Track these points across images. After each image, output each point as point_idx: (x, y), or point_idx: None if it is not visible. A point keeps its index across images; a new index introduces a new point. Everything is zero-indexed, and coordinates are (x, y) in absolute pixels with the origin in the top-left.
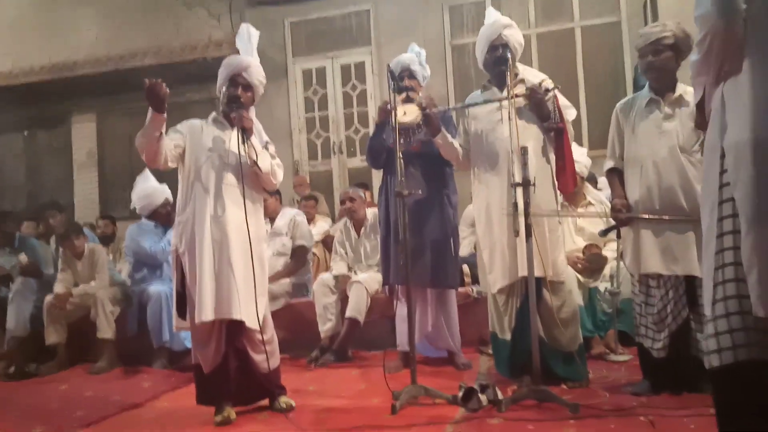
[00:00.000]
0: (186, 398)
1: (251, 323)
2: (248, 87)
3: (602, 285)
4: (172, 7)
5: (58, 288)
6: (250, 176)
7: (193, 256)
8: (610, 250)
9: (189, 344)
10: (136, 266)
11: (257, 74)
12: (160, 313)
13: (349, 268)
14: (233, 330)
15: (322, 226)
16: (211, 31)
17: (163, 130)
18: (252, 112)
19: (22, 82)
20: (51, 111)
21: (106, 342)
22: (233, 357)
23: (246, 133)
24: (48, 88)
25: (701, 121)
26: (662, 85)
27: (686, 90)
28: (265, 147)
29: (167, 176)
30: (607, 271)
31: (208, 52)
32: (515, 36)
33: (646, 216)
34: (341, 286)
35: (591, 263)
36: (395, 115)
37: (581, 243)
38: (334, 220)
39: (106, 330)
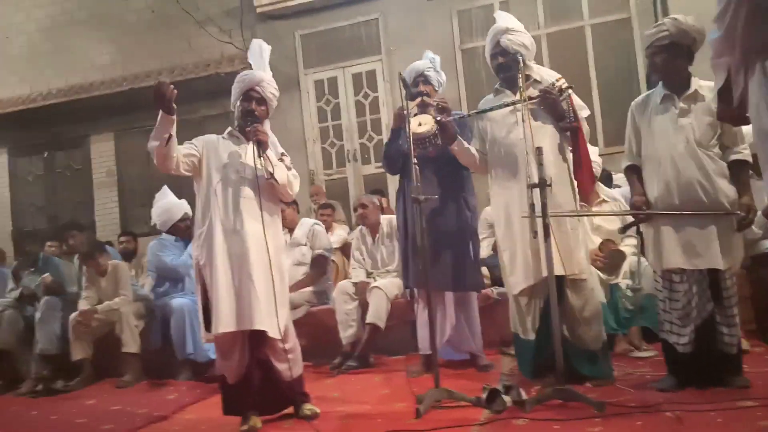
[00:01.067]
0: (212, 409)
1: (273, 333)
2: (262, 101)
3: (623, 282)
4: (184, 26)
5: (83, 305)
6: (266, 189)
7: (213, 269)
8: (627, 245)
9: (213, 355)
10: (158, 281)
11: (270, 88)
12: (184, 325)
13: (368, 275)
14: (256, 341)
15: (339, 234)
16: (223, 48)
17: (173, 132)
18: (267, 125)
19: (40, 105)
20: (69, 132)
21: (131, 356)
22: (257, 367)
23: (261, 146)
24: (65, 109)
25: (724, 110)
26: (673, 83)
27: (701, 84)
28: (281, 159)
29: (186, 192)
30: (627, 267)
31: (221, 68)
32: (516, 39)
33: (667, 213)
34: (360, 292)
35: (610, 259)
36: (409, 124)
37: (598, 241)
38: (351, 228)
39: (130, 344)
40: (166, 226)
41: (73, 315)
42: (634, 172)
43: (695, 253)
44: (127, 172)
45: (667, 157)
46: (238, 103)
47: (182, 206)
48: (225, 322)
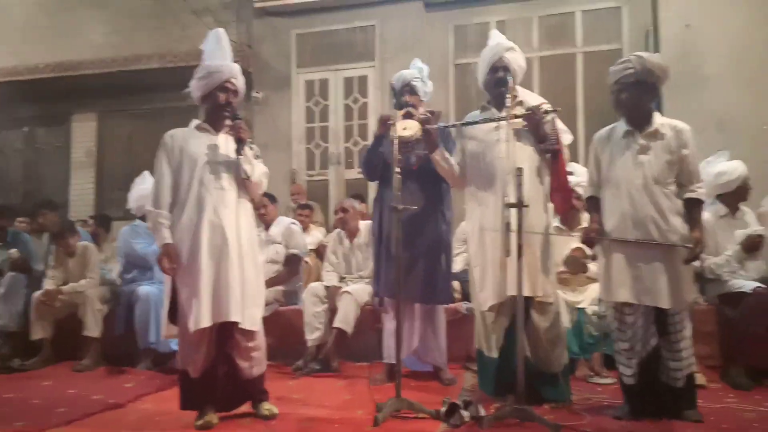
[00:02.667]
0: (169, 401)
1: (248, 325)
2: (236, 93)
3: (590, 308)
4: (180, 14)
5: (48, 284)
6: (241, 183)
7: (191, 262)
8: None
9: (175, 347)
10: (126, 267)
11: (242, 80)
12: (148, 314)
13: (341, 279)
14: (223, 335)
15: (315, 235)
16: None
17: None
18: None
19: (25, 78)
20: (52, 109)
21: (92, 340)
22: (223, 361)
23: (241, 143)
24: (50, 86)
25: None
26: (635, 119)
27: (662, 123)
28: (256, 156)
29: None
30: (595, 294)
31: None
32: (517, 59)
33: (616, 239)
34: (331, 297)
35: (569, 266)
36: (395, 130)
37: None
38: (328, 230)
39: (93, 328)
40: (142, 212)
41: (37, 293)
42: (593, 203)
43: (643, 289)
44: (107, 155)
45: (625, 191)
46: (210, 93)
47: None
48: (205, 317)
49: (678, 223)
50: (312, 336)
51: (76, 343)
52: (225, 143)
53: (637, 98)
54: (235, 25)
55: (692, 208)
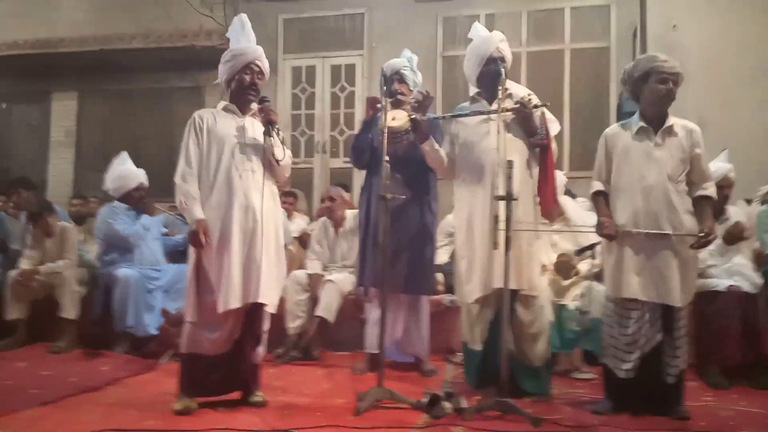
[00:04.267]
0: (146, 385)
1: (271, 308)
2: (261, 74)
3: (572, 303)
4: None
5: (25, 264)
6: (268, 166)
7: (221, 244)
8: (584, 264)
9: (153, 331)
10: (106, 249)
11: (266, 62)
12: (127, 297)
13: (324, 268)
14: (251, 316)
15: (299, 223)
16: (202, 21)
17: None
18: None
19: (5, 54)
20: (31, 87)
21: (68, 322)
22: (249, 343)
23: (272, 125)
24: (30, 62)
25: None
26: (655, 115)
27: (676, 121)
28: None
29: (144, 162)
30: (578, 290)
31: (197, 41)
32: (507, 51)
33: (633, 231)
34: (314, 285)
35: (559, 272)
36: (385, 119)
37: (553, 258)
38: (311, 219)
39: (69, 310)
40: (119, 193)
41: (13, 273)
42: (601, 197)
43: (654, 286)
44: (86, 135)
45: (638, 187)
46: (237, 75)
47: (140, 175)
48: (235, 298)
49: (689, 221)
50: (293, 324)
51: (51, 325)
52: (252, 126)
53: (674, 94)
54: (221, 7)
55: (703, 205)
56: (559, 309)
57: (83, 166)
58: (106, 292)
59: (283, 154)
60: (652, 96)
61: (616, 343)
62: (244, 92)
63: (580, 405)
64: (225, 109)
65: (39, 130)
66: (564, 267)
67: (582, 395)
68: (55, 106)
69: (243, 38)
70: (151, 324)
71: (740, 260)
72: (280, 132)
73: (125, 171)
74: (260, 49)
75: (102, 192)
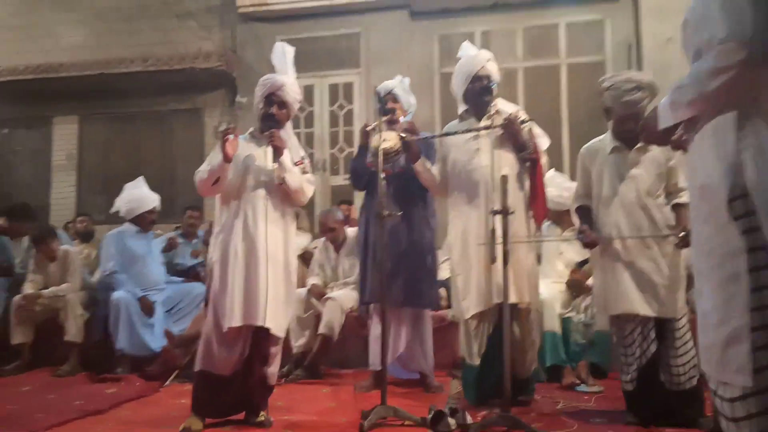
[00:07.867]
0: (150, 407)
1: (277, 331)
2: (283, 105)
3: (577, 317)
4: (162, 18)
5: (28, 288)
6: (279, 191)
7: (224, 266)
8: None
9: (157, 348)
10: (111, 269)
11: (292, 92)
12: (118, 319)
13: (325, 285)
14: (258, 337)
15: (301, 241)
16: (201, 43)
17: (224, 176)
18: (288, 127)
19: (5, 79)
20: (32, 111)
21: (73, 345)
22: (257, 365)
23: (276, 152)
24: (31, 87)
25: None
26: (627, 134)
27: None
28: (299, 162)
29: (152, 185)
30: (582, 302)
31: (196, 63)
32: (495, 69)
33: (615, 237)
34: (314, 295)
35: (572, 289)
36: (378, 138)
37: (560, 267)
38: (313, 236)
39: (74, 333)
40: (132, 214)
41: (17, 298)
42: (583, 212)
43: (650, 300)
44: (88, 158)
45: (618, 204)
46: (260, 104)
47: (155, 199)
48: (236, 317)
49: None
50: (297, 342)
51: (55, 349)
52: (267, 152)
53: (643, 110)
54: (218, 29)
55: (680, 210)
56: (565, 321)
57: (85, 190)
58: (106, 315)
59: (284, 175)
60: (618, 115)
61: (621, 357)
62: (263, 122)
63: (586, 418)
64: (250, 134)
65: (40, 154)
66: (577, 285)
67: (588, 408)
68: (56, 130)
69: (284, 66)
70: (153, 341)
71: None
72: (301, 155)
73: (141, 194)
74: (284, 80)
75: (104, 215)
